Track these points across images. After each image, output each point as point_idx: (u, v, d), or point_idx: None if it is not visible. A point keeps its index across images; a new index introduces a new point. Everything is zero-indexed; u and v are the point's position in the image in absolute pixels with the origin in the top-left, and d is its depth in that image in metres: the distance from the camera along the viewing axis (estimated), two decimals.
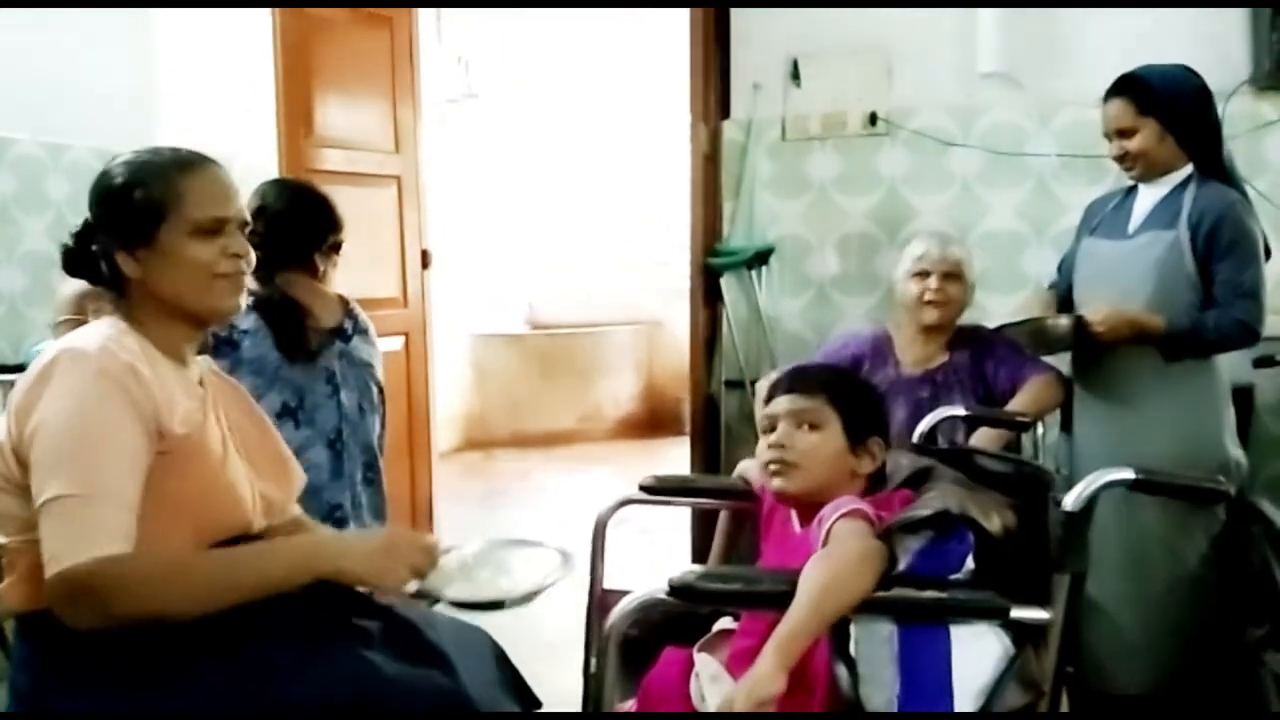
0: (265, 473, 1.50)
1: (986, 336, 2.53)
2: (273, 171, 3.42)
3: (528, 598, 1.41)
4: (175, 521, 1.32)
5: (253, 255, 1.45)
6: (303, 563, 1.30)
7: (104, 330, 1.36)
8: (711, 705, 1.16)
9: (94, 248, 1.43)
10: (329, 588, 1.38)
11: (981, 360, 2.49)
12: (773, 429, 1.54)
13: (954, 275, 2.49)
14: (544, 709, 1.54)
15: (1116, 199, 2.39)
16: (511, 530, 1.57)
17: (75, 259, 1.46)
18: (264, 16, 3.38)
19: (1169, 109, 2.19)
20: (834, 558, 1.29)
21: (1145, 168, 2.25)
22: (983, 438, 2.33)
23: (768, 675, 1.19)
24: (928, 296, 2.46)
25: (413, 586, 1.38)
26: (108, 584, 1.19)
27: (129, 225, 1.39)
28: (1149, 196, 2.28)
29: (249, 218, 1.46)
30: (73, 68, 3.52)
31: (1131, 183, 2.33)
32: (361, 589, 1.41)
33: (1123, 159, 2.26)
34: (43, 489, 1.23)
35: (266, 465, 1.52)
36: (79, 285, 1.98)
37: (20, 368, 2.62)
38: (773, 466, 1.51)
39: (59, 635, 1.23)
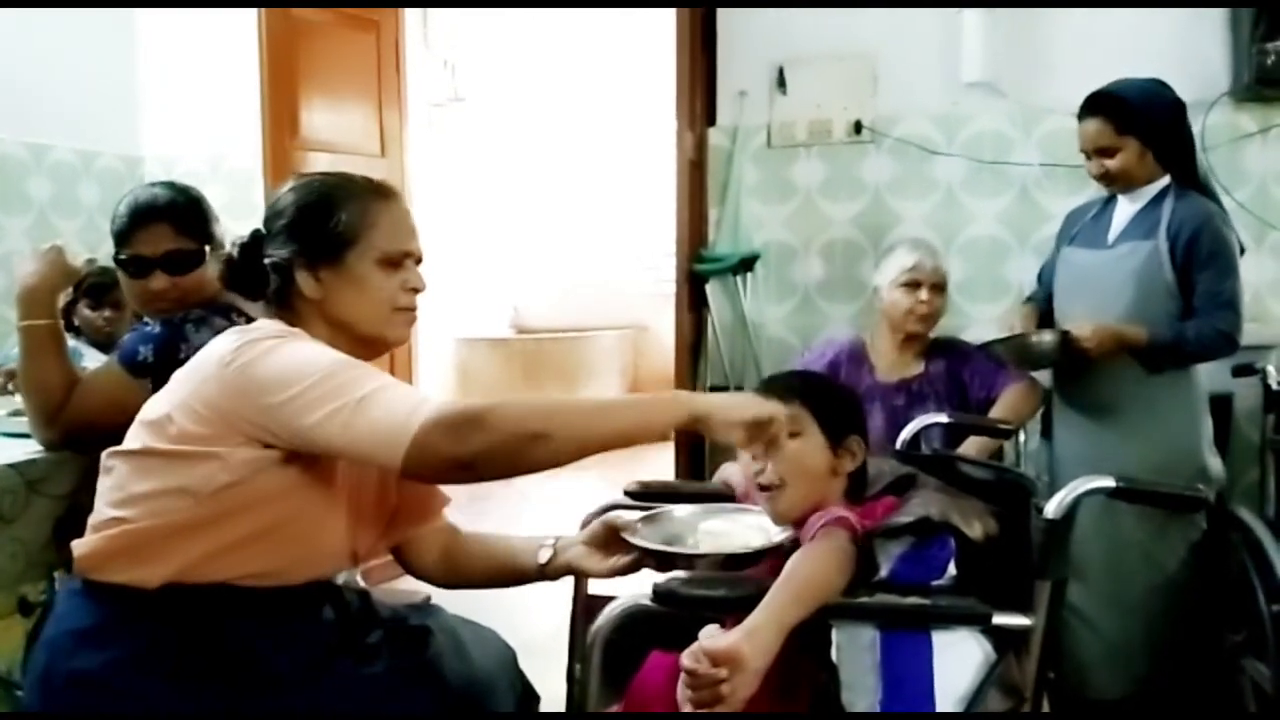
0: (366, 519, 1.47)
1: (961, 348, 2.56)
2: (257, 174, 3.41)
3: (760, 553, 1.41)
4: (258, 541, 1.30)
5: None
6: (673, 407, 1.28)
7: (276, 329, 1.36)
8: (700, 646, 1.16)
9: (266, 261, 1.40)
10: (336, 604, 1.41)
11: (958, 371, 2.51)
12: None
13: (941, 286, 2.52)
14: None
15: (1095, 209, 2.41)
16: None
17: (239, 272, 1.43)
18: (249, 17, 3.37)
19: (1148, 126, 2.20)
20: (812, 553, 1.31)
21: (1126, 184, 2.27)
22: (971, 446, 2.35)
23: (763, 629, 1.19)
24: (921, 310, 2.48)
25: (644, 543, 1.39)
26: (481, 411, 1.19)
27: (318, 244, 1.38)
28: (1128, 207, 2.30)
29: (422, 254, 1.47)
30: (55, 68, 3.50)
31: (1110, 193, 2.36)
32: None
33: (1103, 177, 2.27)
34: (337, 409, 1.21)
35: (370, 510, 1.48)
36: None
37: None
38: (764, 490, 1.50)
39: (114, 606, 1.28)
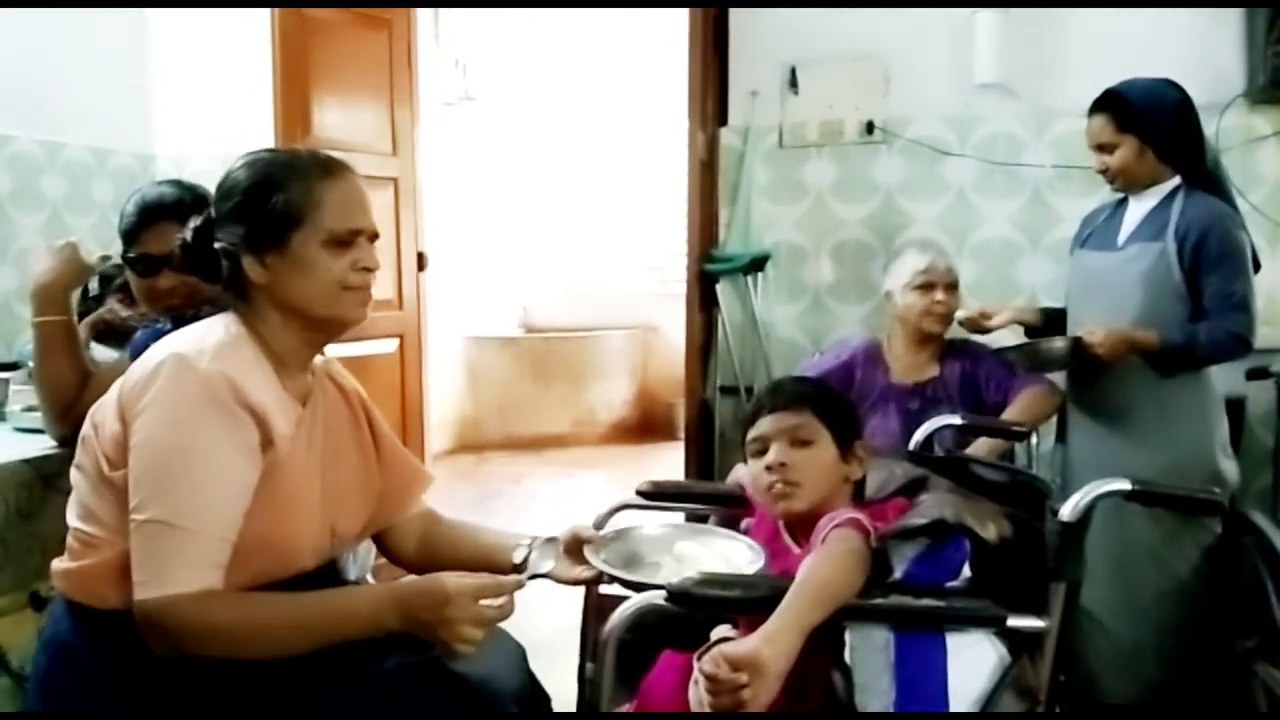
0: (346, 501, 1.46)
1: (976, 350, 2.56)
2: None
3: None
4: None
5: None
6: (374, 626, 1.27)
7: (219, 337, 1.32)
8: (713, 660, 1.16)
9: (215, 246, 1.36)
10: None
11: (973, 373, 2.52)
12: (764, 451, 1.54)
13: (954, 285, 2.54)
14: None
15: (1108, 211, 2.40)
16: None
17: (192, 257, 1.39)
18: (262, 17, 3.38)
19: (1147, 126, 2.21)
20: (828, 555, 1.32)
21: (1126, 182, 2.28)
22: (981, 447, 2.34)
23: (780, 633, 1.19)
24: (938, 310, 2.49)
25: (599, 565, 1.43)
26: (179, 626, 1.20)
27: (262, 228, 1.33)
28: (1138, 208, 2.30)
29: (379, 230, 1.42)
30: (69, 65, 3.51)
31: (1121, 194, 2.35)
32: None
33: (1104, 172, 2.29)
34: (136, 507, 1.23)
35: (351, 490, 1.47)
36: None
37: (13, 365, 2.61)
38: (777, 489, 1.51)
39: (97, 626, 1.28)
